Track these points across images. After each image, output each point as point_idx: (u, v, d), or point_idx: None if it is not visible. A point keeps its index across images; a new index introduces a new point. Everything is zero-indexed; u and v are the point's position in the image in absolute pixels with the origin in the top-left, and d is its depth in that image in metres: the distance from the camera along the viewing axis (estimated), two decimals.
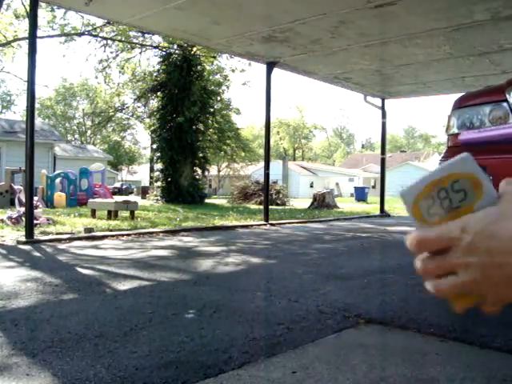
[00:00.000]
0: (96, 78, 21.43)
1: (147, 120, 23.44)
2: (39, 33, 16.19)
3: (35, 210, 6.63)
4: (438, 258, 0.43)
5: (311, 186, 40.44)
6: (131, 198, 18.81)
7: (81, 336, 2.23)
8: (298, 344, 2.18)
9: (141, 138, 59.02)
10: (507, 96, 2.86)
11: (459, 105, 3.21)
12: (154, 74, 18.41)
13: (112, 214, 8.54)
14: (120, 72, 21.04)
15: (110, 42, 18.73)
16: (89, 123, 51.04)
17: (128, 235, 6.68)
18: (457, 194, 0.44)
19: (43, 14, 17.88)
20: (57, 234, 6.37)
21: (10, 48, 20.82)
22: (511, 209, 0.41)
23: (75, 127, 53.38)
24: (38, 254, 5.01)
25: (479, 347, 2.16)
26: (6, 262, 4.47)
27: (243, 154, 30.16)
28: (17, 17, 19.14)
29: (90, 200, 9.90)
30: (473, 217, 0.42)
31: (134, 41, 18.79)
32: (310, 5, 6.41)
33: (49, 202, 12.09)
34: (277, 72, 10.18)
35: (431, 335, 2.34)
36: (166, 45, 17.22)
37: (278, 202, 17.84)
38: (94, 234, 6.51)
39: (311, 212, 13.28)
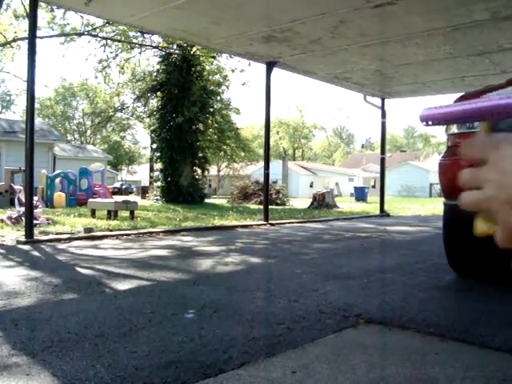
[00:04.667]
0: (96, 77, 21.48)
1: (147, 120, 23.41)
2: (39, 33, 16.15)
3: (35, 210, 6.63)
4: (474, 170, 0.45)
5: (311, 186, 40.44)
6: (131, 197, 18.81)
7: (80, 336, 2.23)
8: (298, 344, 2.18)
9: (141, 137, 59.07)
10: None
11: None
12: (154, 74, 18.41)
13: (112, 214, 8.54)
14: (120, 72, 21.01)
15: (109, 42, 18.72)
16: (88, 123, 51.02)
17: (128, 235, 6.68)
18: None
19: (43, 14, 17.86)
20: (56, 233, 6.37)
21: (10, 48, 20.80)
22: None
23: (75, 127, 53.35)
24: (37, 253, 5.01)
25: (479, 347, 2.16)
26: (6, 261, 4.47)
27: (243, 153, 30.14)
28: (16, 17, 19.13)
29: (90, 200, 9.90)
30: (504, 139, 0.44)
31: (134, 41, 18.78)
32: (309, 5, 6.41)
33: (48, 202, 12.09)
34: (277, 72, 10.18)
35: (431, 335, 2.34)
36: (165, 45, 17.21)
37: (278, 201, 17.84)
38: (93, 233, 6.51)
39: (311, 212, 13.28)
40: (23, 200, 6.98)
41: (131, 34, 18.01)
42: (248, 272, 4.22)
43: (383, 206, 13.18)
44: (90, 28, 18.42)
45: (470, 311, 2.82)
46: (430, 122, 0.55)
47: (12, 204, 10.16)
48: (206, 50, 14.91)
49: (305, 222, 10.16)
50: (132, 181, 50.86)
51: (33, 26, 6.09)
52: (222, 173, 44.97)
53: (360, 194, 26.50)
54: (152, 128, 17.98)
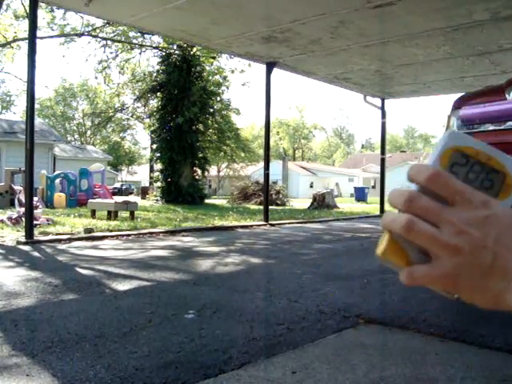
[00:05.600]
0: (96, 78, 21.41)
1: (147, 120, 23.42)
2: (39, 33, 16.15)
3: (35, 211, 6.63)
4: (437, 204, 0.39)
5: (311, 187, 40.45)
6: (131, 198, 18.81)
7: (81, 336, 2.23)
8: (298, 344, 2.18)
9: (140, 138, 59.09)
10: (507, 96, 2.86)
11: (459, 105, 3.21)
12: (154, 75, 18.41)
13: (112, 215, 8.54)
14: (120, 72, 21.01)
15: (109, 42, 18.72)
16: (88, 124, 51.02)
17: (128, 235, 6.68)
18: (485, 181, 0.42)
19: (43, 14, 17.87)
20: (56, 234, 6.37)
21: (10, 48, 20.80)
22: None
23: (75, 127, 53.34)
24: (37, 254, 5.01)
25: (479, 347, 2.16)
26: (6, 262, 4.47)
27: (243, 154, 30.14)
28: (16, 17, 19.12)
29: (90, 200, 9.89)
30: (500, 205, 0.40)
31: (134, 41, 18.79)
32: (309, 5, 6.42)
33: (49, 203, 12.08)
34: (277, 72, 10.18)
35: (431, 335, 2.34)
36: (165, 45, 17.22)
37: (278, 202, 17.84)
38: (93, 234, 6.51)
39: (311, 212, 13.28)
40: (23, 200, 6.98)
41: (131, 34, 18.02)
42: (248, 272, 4.22)
43: (383, 206, 13.18)
44: (90, 28, 18.43)
45: (470, 311, 2.82)
46: (470, 122, 0.48)
47: (12, 204, 10.16)
48: (206, 50, 14.92)
49: (305, 223, 10.16)
50: (132, 181, 50.86)
51: (33, 27, 6.09)
52: (221, 173, 45.00)
53: (360, 195, 26.51)
54: (152, 128, 17.98)
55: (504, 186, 0.41)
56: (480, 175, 0.41)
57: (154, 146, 17.83)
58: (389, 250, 0.41)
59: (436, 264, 0.39)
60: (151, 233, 7.06)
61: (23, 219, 6.53)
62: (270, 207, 11.12)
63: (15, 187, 10.99)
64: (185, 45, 15.29)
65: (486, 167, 0.41)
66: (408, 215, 0.39)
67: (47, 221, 7.40)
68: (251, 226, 8.82)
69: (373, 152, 68.32)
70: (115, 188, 34.55)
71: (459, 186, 0.39)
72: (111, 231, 6.90)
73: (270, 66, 9.24)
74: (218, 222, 8.96)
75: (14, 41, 19.00)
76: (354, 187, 30.32)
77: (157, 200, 16.69)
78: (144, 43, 18.91)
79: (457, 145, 0.42)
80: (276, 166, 34.86)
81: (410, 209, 0.39)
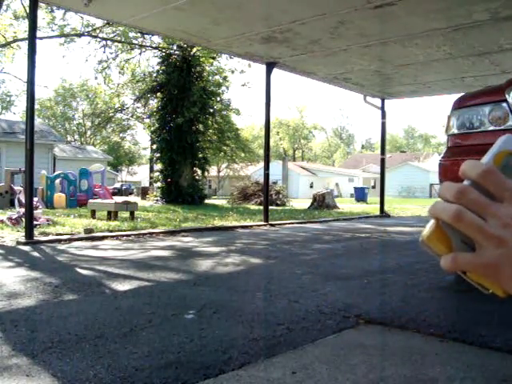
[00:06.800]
0: (96, 78, 21.41)
1: (147, 120, 23.40)
2: (39, 34, 16.14)
3: (35, 211, 6.63)
4: (486, 198, 0.42)
5: (311, 187, 40.44)
6: (131, 198, 18.81)
7: (80, 337, 2.23)
8: (298, 344, 2.18)
9: (140, 138, 59.04)
10: (507, 96, 2.87)
11: (459, 105, 3.21)
12: (154, 75, 18.39)
13: (112, 215, 8.54)
14: (120, 73, 21.02)
15: (109, 42, 18.72)
16: (88, 124, 51.01)
17: (128, 236, 6.68)
18: None
19: (43, 14, 17.87)
20: (56, 234, 6.36)
21: (10, 49, 20.80)
22: None
23: (75, 128, 53.33)
24: (37, 254, 5.01)
25: (479, 347, 2.16)
26: (6, 262, 4.47)
27: (243, 154, 30.17)
28: (16, 17, 19.13)
29: (90, 201, 9.89)
30: None
31: (134, 42, 18.78)
32: (309, 5, 6.42)
33: (49, 203, 12.08)
34: (277, 72, 10.18)
35: (431, 335, 2.34)
36: (165, 45, 17.22)
37: (278, 202, 17.84)
38: (93, 234, 6.50)
39: (311, 212, 13.28)
40: (23, 201, 6.99)
41: (131, 34, 18.01)
42: (248, 272, 4.22)
43: (383, 206, 13.18)
44: (89, 29, 18.43)
45: (470, 311, 2.82)
46: None
47: (12, 205, 10.17)
48: (206, 50, 14.92)
49: (305, 223, 10.16)
50: (132, 181, 50.87)
51: (33, 27, 6.09)
52: (222, 173, 45.00)
53: (360, 195, 26.49)
54: (152, 129, 17.97)
55: None
56: None
57: (154, 146, 17.81)
58: (434, 236, 0.44)
59: (480, 253, 0.42)
60: (151, 233, 7.06)
61: (23, 219, 6.53)
62: (270, 207, 11.12)
63: (15, 187, 11.00)
64: (185, 45, 15.29)
65: None
66: (458, 206, 0.41)
67: (47, 221, 7.41)
68: (251, 226, 8.82)
69: (373, 152, 68.34)
70: (115, 188, 34.58)
71: (509, 184, 0.42)
72: (111, 231, 6.90)
73: (270, 66, 9.24)
74: (217, 223, 8.96)
75: (14, 41, 19.00)
76: (354, 187, 30.29)
77: (157, 200, 16.69)
78: (144, 43, 18.90)
79: (511, 149, 0.44)
80: (276, 166, 34.88)
81: (460, 200, 0.42)
